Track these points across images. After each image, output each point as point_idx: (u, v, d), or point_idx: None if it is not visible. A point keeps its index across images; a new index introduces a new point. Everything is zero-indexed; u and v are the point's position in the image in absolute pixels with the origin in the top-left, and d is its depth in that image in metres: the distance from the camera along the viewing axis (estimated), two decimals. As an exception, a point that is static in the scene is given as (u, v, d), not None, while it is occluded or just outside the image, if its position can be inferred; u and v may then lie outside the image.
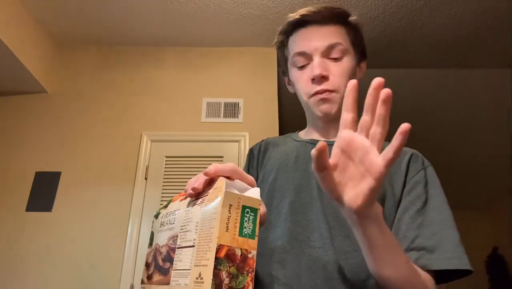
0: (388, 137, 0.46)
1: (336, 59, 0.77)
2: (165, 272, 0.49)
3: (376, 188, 0.45)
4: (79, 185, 2.23)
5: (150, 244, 0.57)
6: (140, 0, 2.25)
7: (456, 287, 0.84)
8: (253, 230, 0.42)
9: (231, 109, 2.46)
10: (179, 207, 0.52)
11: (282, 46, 0.86)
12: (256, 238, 0.42)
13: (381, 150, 0.45)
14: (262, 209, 0.49)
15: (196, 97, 2.50)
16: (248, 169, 0.87)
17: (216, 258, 0.39)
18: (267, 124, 2.41)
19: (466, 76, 2.84)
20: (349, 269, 0.65)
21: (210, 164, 0.51)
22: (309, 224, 0.70)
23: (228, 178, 0.47)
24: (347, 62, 0.78)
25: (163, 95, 2.51)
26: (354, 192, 0.46)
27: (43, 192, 2.21)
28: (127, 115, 2.43)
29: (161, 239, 0.53)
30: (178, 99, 2.50)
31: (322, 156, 0.44)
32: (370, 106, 0.45)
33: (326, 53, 0.77)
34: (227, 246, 0.40)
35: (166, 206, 0.57)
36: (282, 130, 2.33)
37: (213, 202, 0.43)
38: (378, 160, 0.44)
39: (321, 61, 0.77)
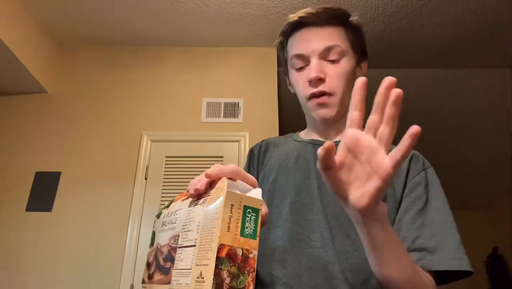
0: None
1: (333, 61, 0.77)
2: (166, 272, 0.49)
3: (383, 188, 0.44)
4: (79, 185, 2.23)
5: (152, 243, 0.57)
6: (140, 0, 2.25)
7: (456, 287, 0.84)
8: (255, 230, 0.42)
9: (231, 109, 2.46)
10: (180, 206, 0.53)
11: (282, 47, 0.86)
12: (258, 238, 0.42)
13: (388, 150, 0.44)
14: (264, 209, 0.49)
15: (196, 97, 2.50)
16: (248, 169, 0.87)
17: (217, 258, 0.39)
18: (267, 124, 2.41)
19: (466, 76, 2.85)
20: (349, 269, 0.65)
21: (210, 164, 0.51)
22: (309, 224, 0.70)
23: (230, 178, 0.47)
24: (345, 64, 0.78)
25: (163, 95, 2.51)
26: (359, 191, 0.46)
27: (43, 192, 2.21)
28: (127, 115, 2.44)
29: (163, 239, 0.53)
30: (178, 99, 2.50)
31: (330, 155, 0.44)
32: (380, 105, 0.44)
33: (324, 55, 0.77)
34: (229, 245, 0.40)
35: (168, 206, 0.57)
36: (282, 130, 2.33)
37: (215, 202, 0.43)
38: (385, 160, 0.43)
39: (318, 63, 0.77)
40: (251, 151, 0.90)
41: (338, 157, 0.46)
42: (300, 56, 0.79)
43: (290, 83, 0.88)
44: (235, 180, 0.48)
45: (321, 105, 0.77)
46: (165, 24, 2.44)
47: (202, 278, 0.40)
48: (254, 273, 0.41)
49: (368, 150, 0.44)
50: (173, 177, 2.26)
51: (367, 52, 0.86)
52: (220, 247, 0.39)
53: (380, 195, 0.45)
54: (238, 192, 0.43)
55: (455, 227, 0.65)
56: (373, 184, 0.44)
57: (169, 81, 2.55)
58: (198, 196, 0.50)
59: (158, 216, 0.59)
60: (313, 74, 0.76)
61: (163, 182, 2.25)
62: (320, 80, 0.76)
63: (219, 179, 0.47)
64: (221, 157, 2.31)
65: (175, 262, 0.47)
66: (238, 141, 2.36)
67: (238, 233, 0.41)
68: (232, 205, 0.42)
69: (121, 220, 2.14)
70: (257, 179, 0.83)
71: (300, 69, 0.80)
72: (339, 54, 0.77)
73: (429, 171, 0.72)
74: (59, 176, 2.24)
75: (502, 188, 4.34)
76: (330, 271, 0.65)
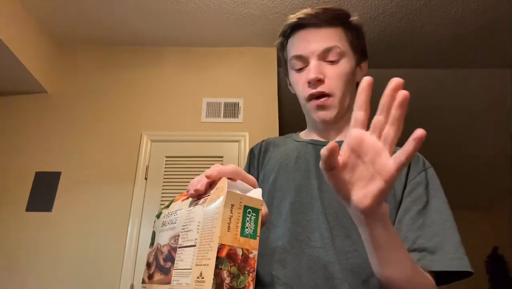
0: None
1: (333, 62, 0.78)
2: (166, 272, 0.49)
3: (386, 190, 0.44)
4: (79, 185, 2.23)
5: (152, 243, 0.57)
6: (140, 0, 2.25)
7: (456, 287, 0.84)
8: (255, 230, 0.42)
9: (231, 109, 2.46)
10: (181, 206, 0.53)
11: (282, 47, 0.87)
12: (258, 238, 0.42)
13: (392, 152, 0.44)
14: (264, 209, 0.49)
15: (196, 97, 2.50)
16: (248, 169, 0.87)
17: (218, 258, 0.39)
18: (267, 124, 2.41)
19: (466, 76, 2.85)
20: (349, 269, 0.65)
21: (210, 164, 0.51)
22: (309, 224, 0.70)
23: (230, 179, 0.47)
24: (344, 65, 0.78)
25: (163, 95, 2.51)
26: (362, 192, 0.45)
27: (43, 192, 2.21)
28: (127, 115, 2.44)
29: (163, 239, 0.53)
30: (178, 99, 2.50)
31: (333, 156, 0.44)
32: (385, 106, 0.43)
33: (323, 56, 0.77)
34: (229, 245, 0.40)
35: (168, 206, 0.57)
36: (282, 130, 2.33)
37: (215, 202, 0.43)
38: (389, 162, 0.43)
39: (318, 64, 0.77)
40: (251, 151, 0.90)
41: (342, 157, 0.45)
42: (299, 57, 0.79)
43: (290, 84, 0.88)
44: (235, 180, 0.48)
45: (321, 107, 0.78)
46: (165, 24, 2.44)
47: (202, 278, 0.40)
48: (254, 273, 0.41)
49: (372, 150, 0.44)
50: (173, 177, 2.26)
51: (367, 52, 0.86)
52: (220, 247, 0.39)
53: (383, 196, 0.45)
54: (238, 192, 0.44)
55: (455, 227, 0.65)
56: (376, 185, 0.44)
57: (169, 81, 2.55)
58: (198, 196, 0.50)
59: (158, 216, 0.59)
60: (312, 75, 0.76)
61: (163, 182, 2.25)
62: (319, 81, 0.76)
63: (219, 179, 0.47)
64: (221, 157, 2.31)
65: (175, 262, 0.47)
66: (238, 141, 2.36)
67: (238, 233, 0.41)
68: (232, 205, 0.42)
69: (121, 220, 2.14)
70: (257, 179, 0.83)
71: (299, 70, 0.81)
72: (338, 55, 0.78)
73: (429, 171, 0.72)
74: (59, 176, 2.24)
75: (502, 188, 4.34)
76: (330, 271, 0.65)
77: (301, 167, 0.78)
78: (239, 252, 0.41)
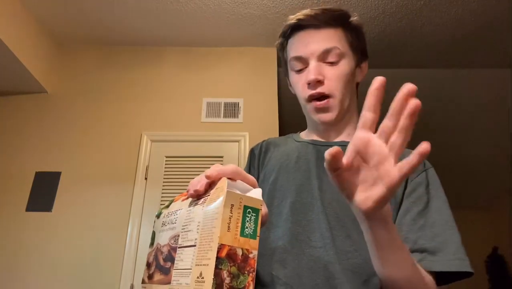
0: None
1: (332, 63, 0.78)
2: (166, 272, 0.49)
3: (388, 197, 0.44)
4: (79, 185, 2.23)
5: (152, 243, 0.57)
6: (140, 0, 2.25)
7: (456, 287, 0.84)
8: (255, 230, 0.42)
9: (231, 109, 2.46)
10: (180, 206, 0.53)
11: (282, 48, 0.87)
12: (258, 238, 0.42)
13: (397, 159, 0.43)
14: (264, 209, 0.49)
15: (196, 97, 2.50)
16: (249, 169, 0.87)
17: (217, 258, 0.39)
18: (267, 124, 2.41)
19: (466, 76, 2.85)
20: (350, 269, 0.65)
21: (210, 164, 0.50)
22: (309, 224, 0.70)
23: (230, 179, 0.47)
24: (344, 65, 0.78)
25: (163, 95, 2.51)
26: (365, 194, 0.45)
27: (43, 192, 2.21)
28: (127, 115, 2.44)
29: (163, 239, 0.53)
30: (178, 99, 2.50)
31: (336, 159, 0.43)
32: (395, 112, 0.42)
33: (322, 57, 0.78)
34: (229, 245, 0.40)
35: (167, 206, 0.57)
36: (282, 130, 2.33)
37: (215, 202, 0.43)
38: (394, 170, 0.42)
39: (317, 65, 0.77)
40: (252, 151, 0.90)
41: (346, 158, 0.45)
42: (299, 59, 0.80)
43: (290, 85, 0.88)
44: (235, 180, 0.48)
45: (321, 109, 0.78)
46: (165, 24, 2.44)
47: (202, 278, 0.40)
48: (254, 273, 0.41)
49: (378, 156, 0.44)
50: (173, 177, 2.26)
51: (367, 52, 0.86)
52: (220, 247, 0.39)
53: (385, 202, 0.45)
54: (238, 192, 0.43)
55: (456, 227, 0.65)
56: (378, 191, 0.44)
57: (169, 81, 2.55)
58: (198, 196, 0.50)
59: (158, 216, 0.59)
60: (312, 76, 0.76)
61: (163, 182, 2.25)
62: (318, 83, 0.76)
63: (219, 179, 0.47)
64: (221, 157, 2.31)
65: (175, 262, 0.47)
66: (238, 141, 2.36)
67: (238, 233, 0.41)
68: (232, 205, 0.42)
69: (121, 220, 2.14)
70: (258, 179, 0.83)
71: (299, 71, 0.81)
72: (338, 56, 0.78)
73: (430, 172, 0.72)
74: (59, 176, 2.24)
75: (502, 188, 4.34)
76: (330, 271, 0.65)
77: (301, 167, 0.78)
78: (239, 252, 0.41)
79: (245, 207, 0.42)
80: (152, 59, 2.61)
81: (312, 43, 0.78)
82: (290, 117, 2.04)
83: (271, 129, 2.37)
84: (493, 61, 2.68)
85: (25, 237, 2.10)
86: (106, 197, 2.21)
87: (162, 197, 2.20)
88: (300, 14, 0.80)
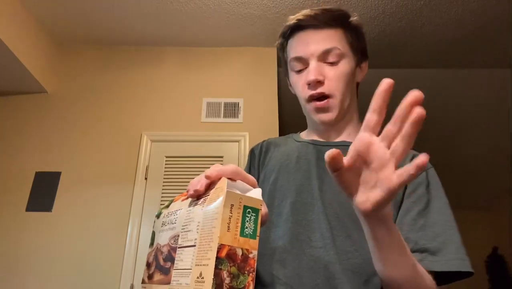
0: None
1: (332, 64, 0.78)
2: (166, 272, 0.49)
3: (387, 201, 0.44)
4: (79, 185, 2.23)
5: (151, 243, 0.57)
6: (140, 0, 2.25)
7: (456, 287, 0.84)
8: (254, 230, 0.42)
9: (231, 109, 2.46)
10: (180, 206, 0.53)
11: (282, 48, 0.87)
12: (257, 238, 0.42)
13: (398, 165, 0.43)
14: (264, 209, 0.49)
15: (196, 97, 2.50)
16: (249, 169, 0.87)
17: (217, 258, 0.39)
18: (267, 124, 2.41)
19: (466, 76, 2.84)
20: (350, 269, 0.65)
21: (210, 164, 0.50)
22: (310, 224, 0.70)
23: (230, 179, 0.47)
24: (344, 66, 0.78)
25: (163, 95, 2.51)
26: (364, 195, 0.46)
27: (43, 192, 2.21)
28: (127, 115, 2.43)
29: (162, 239, 0.53)
30: (178, 99, 2.50)
31: (336, 160, 0.44)
32: (399, 118, 0.42)
33: (322, 58, 0.78)
34: (228, 245, 0.40)
35: (167, 206, 0.57)
36: (282, 130, 2.33)
37: (215, 202, 0.43)
38: (393, 177, 0.42)
39: (317, 66, 0.77)
40: (252, 151, 0.90)
41: (347, 160, 0.45)
42: (299, 59, 0.80)
43: (291, 85, 0.88)
44: (235, 180, 0.48)
45: (321, 109, 0.78)
46: (165, 24, 2.44)
47: (202, 278, 0.40)
48: (254, 273, 0.41)
49: (379, 161, 0.44)
50: (173, 177, 2.26)
51: (367, 52, 0.86)
52: (220, 247, 0.39)
53: (384, 205, 0.45)
54: (238, 192, 0.43)
55: (456, 227, 0.65)
56: (377, 194, 0.44)
57: (169, 81, 2.55)
58: (197, 196, 0.50)
59: (158, 216, 0.59)
60: (312, 77, 0.76)
61: (163, 182, 2.25)
62: (319, 83, 0.77)
63: (219, 179, 0.47)
64: (221, 157, 2.31)
65: (175, 262, 0.47)
66: (238, 141, 2.36)
67: (238, 233, 0.41)
68: (232, 205, 0.42)
69: (121, 220, 2.14)
70: (258, 179, 0.83)
71: (299, 71, 0.81)
72: (338, 56, 0.78)
73: (430, 172, 0.72)
74: (59, 176, 2.24)
75: (502, 188, 4.34)
76: (331, 271, 0.65)
77: (302, 167, 0.78)
78: (239, 252, 0.41)
79: (245, 207, 0.42)
80: (152, 59, 2.61)
81: (312, 43, 0.78)
82: (290, 117, 2.04)
83: (271, 129, 2.37)
84: (493, 61, 2.68)
85: (25, 237, 2.10)
86: (106, 197, 2.20)
87: (162, 197, 2.20)
88: (300, 15, 0.80)
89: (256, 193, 0.46)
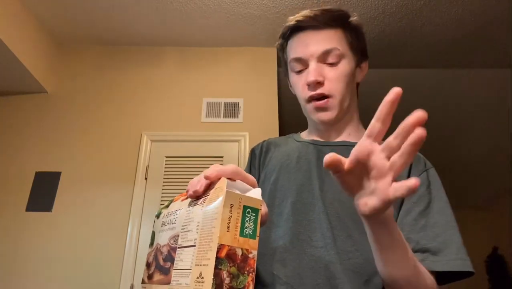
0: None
1: (332, 64, 0.78)
2: (166, 272, 0.49)
3: (383, 209, 0.45)
4: (79, 185, 2.23)
5: (151, 243, 0.57)
6: (140, 0, 2.25)
7: (456, 287, 0.84)
8: (254, 230, 0.42)
9: (231, 109, 2.46)
10: (180, 206, 0.53)
11: (282, 49, 0.87)
12: (257, 238, 0.42)
13: (395, 178, 0.44)
14: (264, 209, 0.49)
15: (196, 97, 2.50)
16: (250, 169, 0.87)
17: (217, 258, 0.39)
18: (267, 124, 2.41)
19: (466, 76, 2.84)
20: (351, 269, 0.65)
21: (210, 164, 0.50)
22: (310, 224, 0.70)
23: (229, 179, 0.47)
24: (344, 66, 0.78)
25: (163, 95, 2.51)
26: (364, 199, 0.46)
27: (43, 192, 2.21)
28: (127, 115, 2.43)
29: (162, 239, 0.53)
30: (178, 99, 2.50)
31: (335, 165, 0.44)
32: (401, 135, 0.42)
33: (322, 59, 0.78)
34: (228, 245, 0.40)
35: (167, 206, 0.57)
36: (282, 130, 2.33)
37: (215, 202, 0.43)
38: (389, 189, 0.43)
39: (317, 66, 0.77)
40: (252, 151, 0.90)
41: (348, 164, 0.46)
42: (299, 60, 0.80)
43: (291, 85, 0.88)
44: (235, 180, 0.48)
45: (320, 109, 0.78)
46: (165, 24, 2.44)
47: (202, 278, 0.40)
48: (254, 273, 0.41)
49: (378, 170, 0.44)
50: (173, 177, 2.26)
51: (367, 52, 0.86)
52: (220, 247, 0.39)
53: (380, 212, 0.46)
54: (237, 192, 0.43)
55: (457, 227, 0.66)
56: (374, 202, 0.45)
57: (169, 81, 2.55)
58: (197, 196, 0.50)
59: (157, 216, 0.59)
60: (312, 77, 0.76)
61: (163, 182, 2.25)
62: (318, 84, 0.77)
63: (219, 179, 0.47)
64: (221, 157, 2.31)
65: (175, 262, 0.47)
66: (238, 141, 2.36)
67: (238, 233, 0.41)
68: (232, 205, 0.42)
69: (121, 220, 2.14)
70: (258, 179, 0.83)
71: (299, 72, 0.81)
72: (338, 57, 0.78)
73: (430, 172, 0.72)
74: (59, 176, 2.24)
75: (502, 188, 4.34)
76: (331, 271, 0.65)
77: (302, 167, 0.78)
78: (239, 252, 0.41)
79: (245, 207, 0.42)
80: (152, 59, 2.61)
81: (311, 44, 0.78)
82: (290, 117, 2.04)
83: (271, 129, 2.37)
84: (493, 61, 2.68)
85: (25, 237, 2.10)
86: (106, 197, 2.20)
87: (162, 197, 2.20)
88: (299, 15, 0.80)
89: (255, 193, 0.46)
